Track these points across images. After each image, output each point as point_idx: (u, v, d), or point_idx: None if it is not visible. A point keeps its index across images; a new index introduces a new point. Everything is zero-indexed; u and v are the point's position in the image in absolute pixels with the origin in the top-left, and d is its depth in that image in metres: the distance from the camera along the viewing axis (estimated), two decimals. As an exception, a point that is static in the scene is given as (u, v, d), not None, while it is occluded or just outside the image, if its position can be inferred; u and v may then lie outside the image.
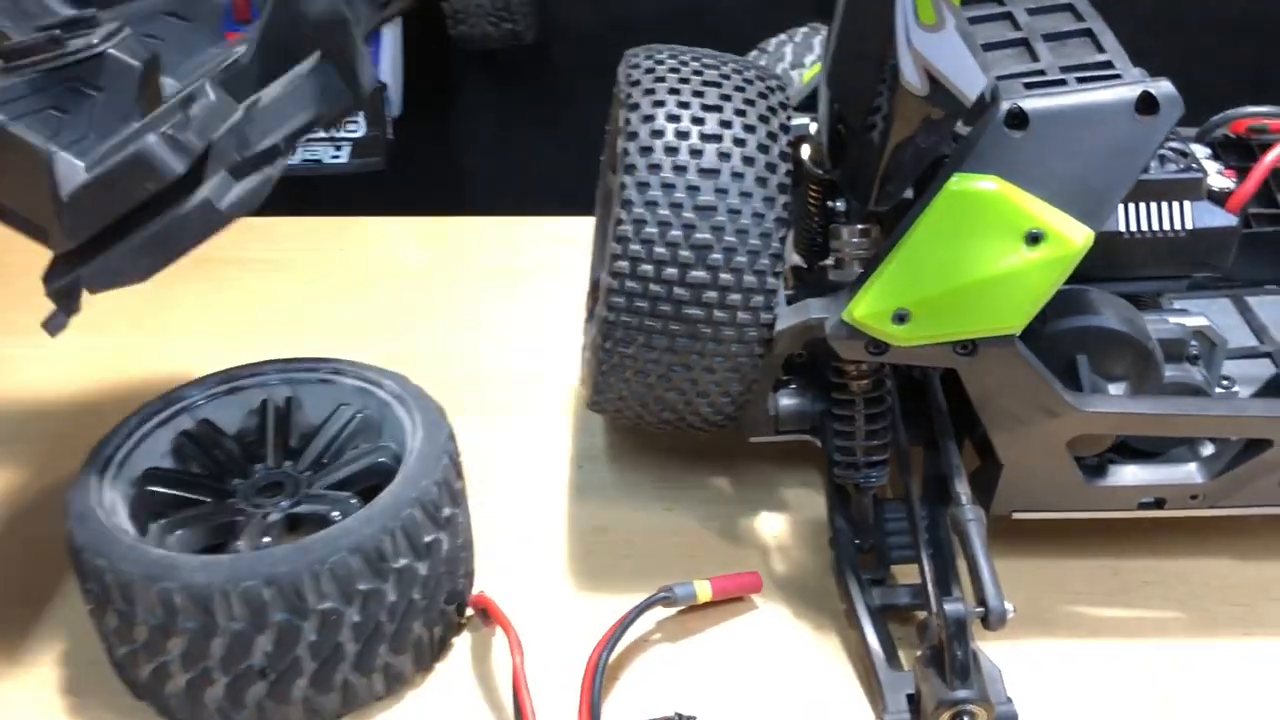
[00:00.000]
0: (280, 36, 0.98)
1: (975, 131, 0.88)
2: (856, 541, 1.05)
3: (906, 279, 0.89)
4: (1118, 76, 0.88)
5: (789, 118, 1.00)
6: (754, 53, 1.37)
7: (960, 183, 0.88)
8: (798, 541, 1.14)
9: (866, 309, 0.91)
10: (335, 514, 0.97)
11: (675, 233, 0.94)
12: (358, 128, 1.94)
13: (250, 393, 1.08)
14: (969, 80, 0.81)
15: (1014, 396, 0.94)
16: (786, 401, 1.09)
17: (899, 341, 0.91)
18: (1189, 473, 1.01)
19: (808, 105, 1.10)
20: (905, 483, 1.04)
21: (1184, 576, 1.08)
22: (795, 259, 1.13)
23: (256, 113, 0.93)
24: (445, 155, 2.05)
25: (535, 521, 1.16)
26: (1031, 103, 0.87)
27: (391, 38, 1.98)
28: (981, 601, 0.89)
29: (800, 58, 1.34)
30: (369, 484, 1.00)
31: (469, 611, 1.04)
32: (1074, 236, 0.87)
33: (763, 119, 0.98)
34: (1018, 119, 0.87)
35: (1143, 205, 1.00)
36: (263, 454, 1.06)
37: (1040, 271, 0.87)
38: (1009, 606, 0.89)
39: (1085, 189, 0.87)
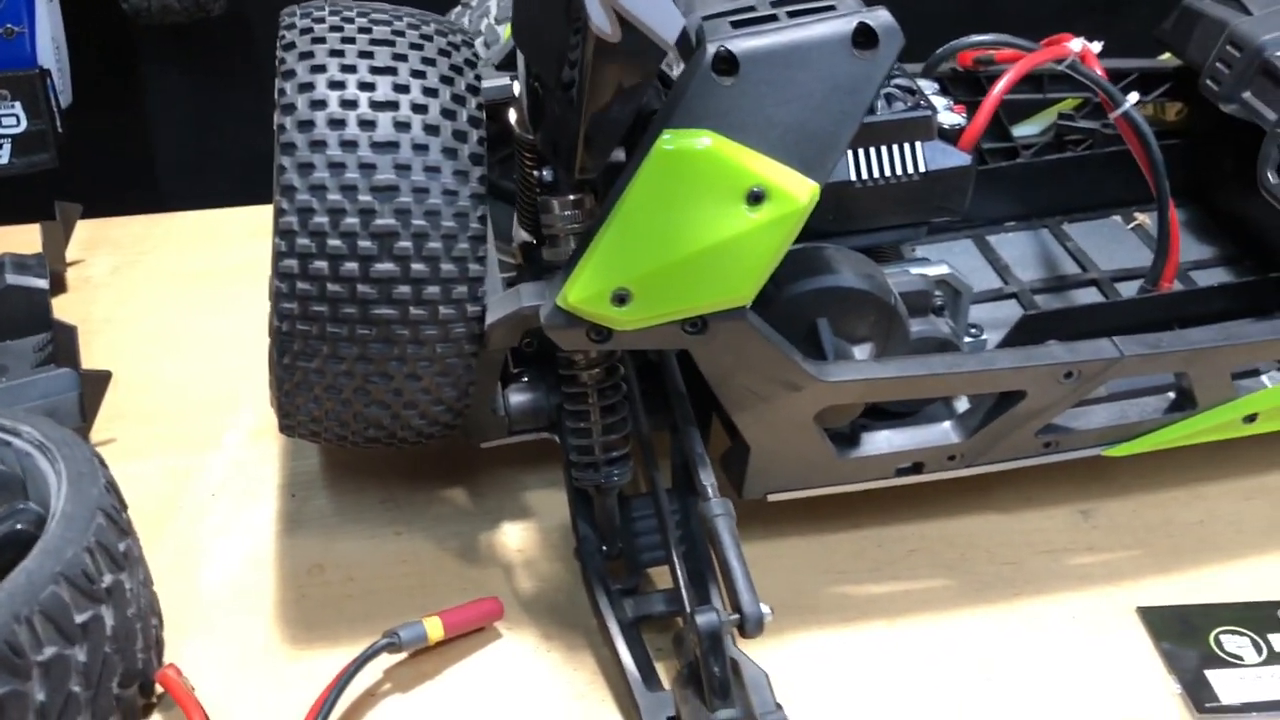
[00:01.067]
0: None
1: (682, 80, 0.77)
2: (604, 548, 0.94)
3: (622, 254, 0.78)
4: (831, 8, 0.79)
5: (478, 77, 0.87)
6: (456, 9, 1.22)
7: (670, 140, 0.77)
8: (546, 553, 1.02)
9: (581, 292, 0.79)
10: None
11: (350, 220, 0.79)
12: (16, 122, 1.67)
13: None
14: (664, 20, 0.70)
15: (752, 373, 0.84)
16: (517, 398, 0.97)
17: (622, 325, 0.80)
18: (944, 433, 0.94)
19: (510, 63, 0.97)
20: (650, 476, 0.94)
21: (950, 539, 1.03)
22: (524, 235, 1.00)
23: None
24: (131, 147, 1.81)
25: (238, 569, 1.00)
26: (739, 44, 0.77)
27: (49, 13, 1.71)
28: (736, 607, 0.80)
29: (507, 11, 1.21)
30: (8, 558, 0.82)
31: (158, 689, 0.88)
32: (798, 192, 0.78)
33: (446, 80, 0.84)
34: (726, 63, 0.77)
35: (872, 150, 0.92)
36: None
37: (766, 233, 0.78)
38: (766, 610, 0.80)
39: (806, 137, 0.77)
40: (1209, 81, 1.11)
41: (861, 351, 0.92)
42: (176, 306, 1.32)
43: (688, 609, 0.84)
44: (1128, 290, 1.14)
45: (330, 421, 0.89)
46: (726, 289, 0.79)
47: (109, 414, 1.13)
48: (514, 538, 1.04)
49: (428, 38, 0.86)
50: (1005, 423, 0.92)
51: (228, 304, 1.31)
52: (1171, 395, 0.97)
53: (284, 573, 1.00)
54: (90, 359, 1.21)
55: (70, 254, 1.39)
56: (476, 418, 0.96)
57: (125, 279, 1.37)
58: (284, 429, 0.92)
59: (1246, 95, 1.07)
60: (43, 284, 1.24)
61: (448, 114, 0.83)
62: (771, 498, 0.96)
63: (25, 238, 1.36)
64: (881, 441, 0.94)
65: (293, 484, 1.09)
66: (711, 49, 0.76)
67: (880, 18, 0.77)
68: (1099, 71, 1.01)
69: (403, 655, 0.91)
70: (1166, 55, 1.24)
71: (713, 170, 0.77)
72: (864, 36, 0.77)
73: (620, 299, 0.79)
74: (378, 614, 0.96)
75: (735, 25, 0.79)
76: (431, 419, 0.90)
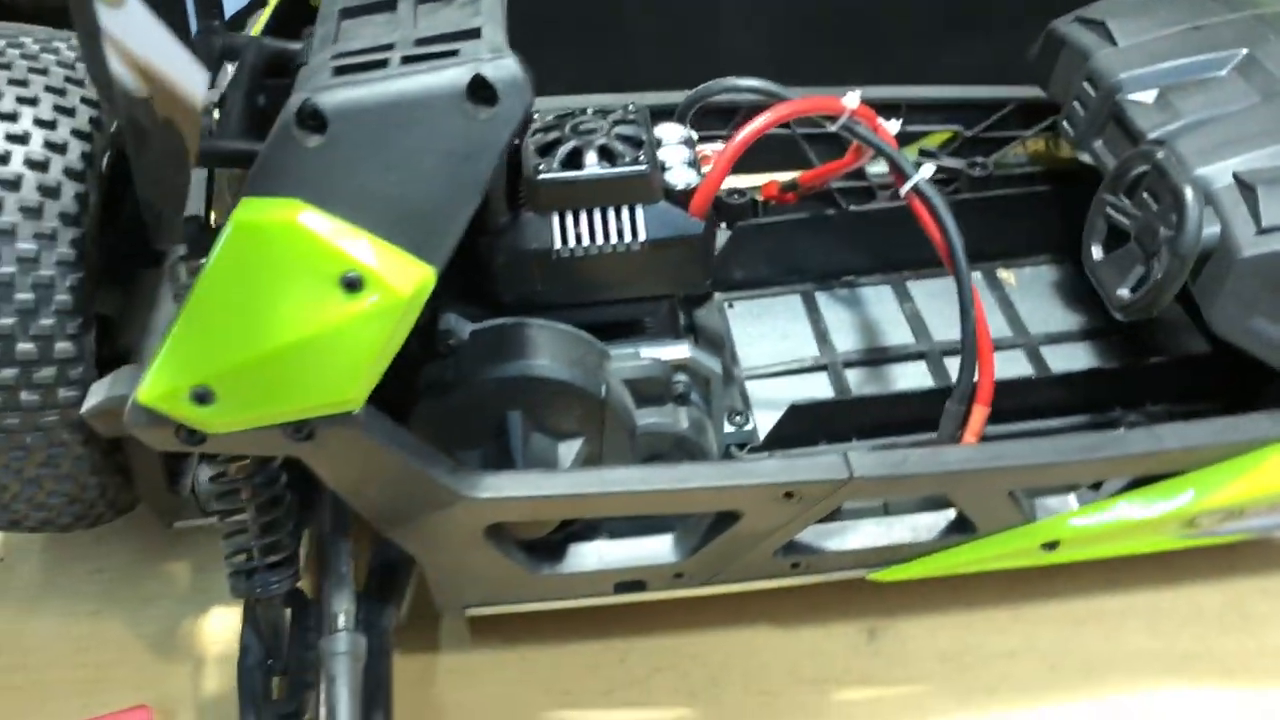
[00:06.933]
0: None
1: (269, 137, 0.64)
2: (269, 662, 0.82)
3: (198, 344, 0.65)
4: (454, 54, 0.64)
5: (95, 119, 0.74)
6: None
7: (246, 211, 0.63)
8: (245, 647, 0.90)
9: (155, 388, 0.66)
10: None
11: (-99, 293, 0.68)
12: None
13: None
14: (188, 74, 0.56)
15: (384, 486, 0.71)
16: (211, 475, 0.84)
17: (209, 428, 0.67)
18: (663, 550, 0.79)
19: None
20: (320, 585, 0.81)
21: (704, 657, 0.88)
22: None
23: None
24: None
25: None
26: (331, 96, 0.62)
27: None
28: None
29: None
30: None
31: None
32: (401, 281, 0.63)
33: (43, 123, 0.71)
34: (314, 120, 0.62)
35: (582, 214, 0.77)
36: None
37: (366, 326, 0.64)
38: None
39: (413, 212, 0.63)
40: (1065, 124, 0.93)
41: (569, 450, 0.77)
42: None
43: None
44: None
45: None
46: (327, 390, 0.65)
47: None
48: (217, 626, 0.92)
49: (41, 71, 0.74)
50: (727, 543, 0.77)
51: None
52: (950, 513, 0.80)
53: (-45, 657, 0.90)
54: None
55: None
56: (155, 498, 0.84)
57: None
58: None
59: (1098, 144, 0.89)
60: None
61: (35, 165, 0.70)
62: (471, 612, 0.82)
63: None
64: (591, 556, 0.79)
65: (7, 544, 0.99)
66: (295, 101, 0.62)
67: (503, 67, 0.62)
68: (883, 135, 0.83)
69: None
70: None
71: (296, 249, 0.63)
72: (481, 90, 0.62)
73: (200, 398, 0.66)
74: (37, 712, 0.85)
75: (339, 71, 0.64)
76: (58, 510, 0.78)
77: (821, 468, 0.72)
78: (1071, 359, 0.96)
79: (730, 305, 1.03)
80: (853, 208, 1.02)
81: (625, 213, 0.77)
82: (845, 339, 0.99)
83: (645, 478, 0.73)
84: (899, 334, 1.00)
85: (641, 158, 0.77)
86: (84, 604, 0.94)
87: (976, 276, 1.05)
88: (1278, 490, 0.77)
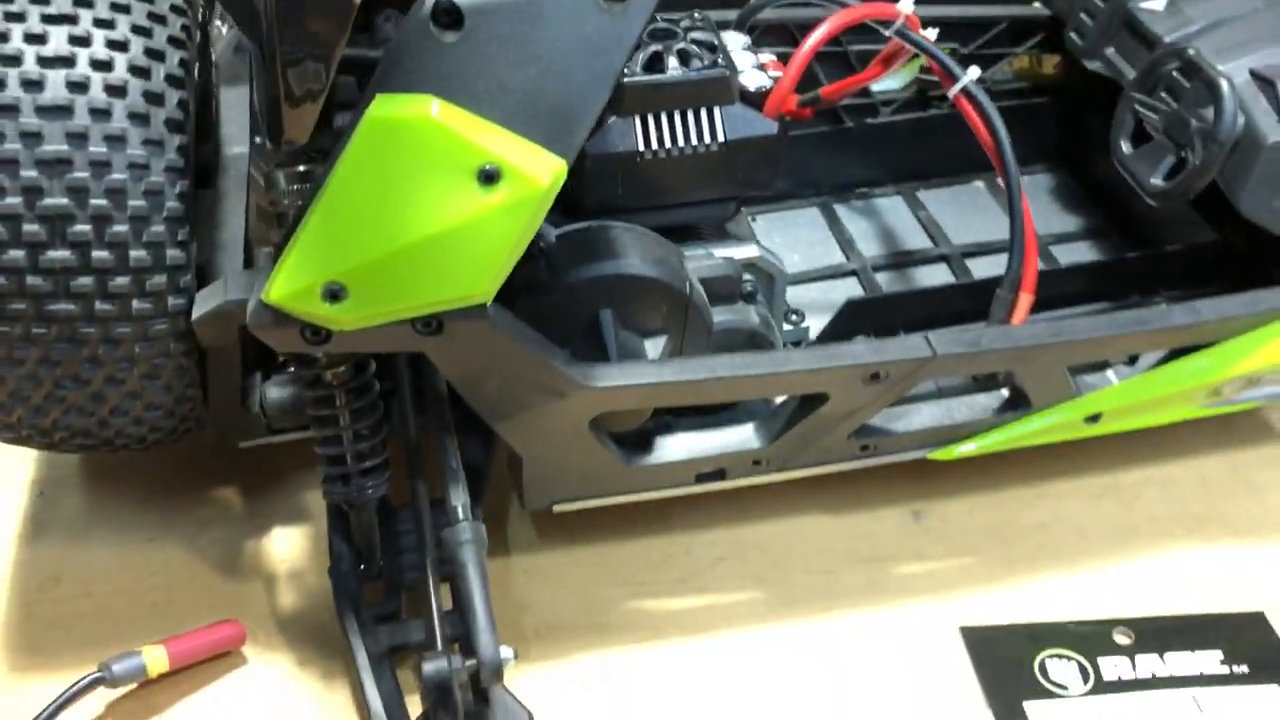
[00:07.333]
0: None
1: (399, 34, 0.65)
2: (363, 567, 0.83)
3: (332, 242, 0.66)
4: (580, -48, 0.66)
5: (187, 27, 0.73)
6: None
7: (383, 107, 0.64)
8: (315, 564, 0.91)
9: (285, 287, 0.67)
10: None
11: (11, 200, 0.67)
12: None
13: None
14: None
15: (506, 379, 0.73)
16: (275, 394, 0.85)
17: (339, 325, 0.68)
18: (747, 437, 0.84)
19: None
20: (412, 487, 0.83)
21: (765, 545, 0.93)
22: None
23: None
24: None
25: (-45, 584, 0.89)
26: (466, -8, 0.64)
27: None
28: (471, 651, 0.69)
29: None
30: None
31: None
32: (538, 172, 0.66)
33: (140, 30, 0.71)
34: (448, 15, 0.64)
35: (664, 116, 0.80)
36: None
37: (501, 219, 0.66)
38: (507, 653, 0.70)
39: (548, 106, 0.65)
40: (1073, 35, 1.00)
41: (654, 346, 0.81)
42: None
43: (438, 641, 0.74)
44: (982, 266, 1.03)
45: (29, 429, 0.77)
46: (459, 284, 0.67)
47: None
48: (282, 546, 0.93)
49: (126, -20, 0.73)
50: (810, 426, 0.81)
51: None
52: (1004, 393, 0.87)
53: (15, 586, 0.89)
54: None
55: None
56: (226, 415, 0.84)
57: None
58: (-20, 434, 0.80)
59: (1109, 51, 0.96)
60: None
61: (138, 71, 0.70)
62: (558, 508, 0.85)
63: None
64: (677, 447, 0.83)
65: (43, 479, 0.97)
66: (430, -1, 0.64)
67: (634, -36, 0.65)
68: (928, 38, 0.88)
69: (128, 688, 0.81)
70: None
71: (434, 144, 0.64)
72: (614, -15, 0.64)
73: (333, 295, 0.67)
74: (111, 636, 0.85)
75: (466, -31, 0.66)
76: (151, 425, 0.78)
77: (906, 348, 0.78)
78: (1079, 255, 1.03)
79: (754, 219, 1.07)
80: (868, 120, 1.07)
81: (704, 114, 0.81)
82: (868, 246, 1.05)
83: (748, 363, 0.77)
84: (917, 239, 1.06)
85: (720, 61, 0.80)
86: (138, 532, 0.93)
87: (980, 185, 1.12)
88: (1291, 358, 0.85)
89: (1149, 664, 0.82)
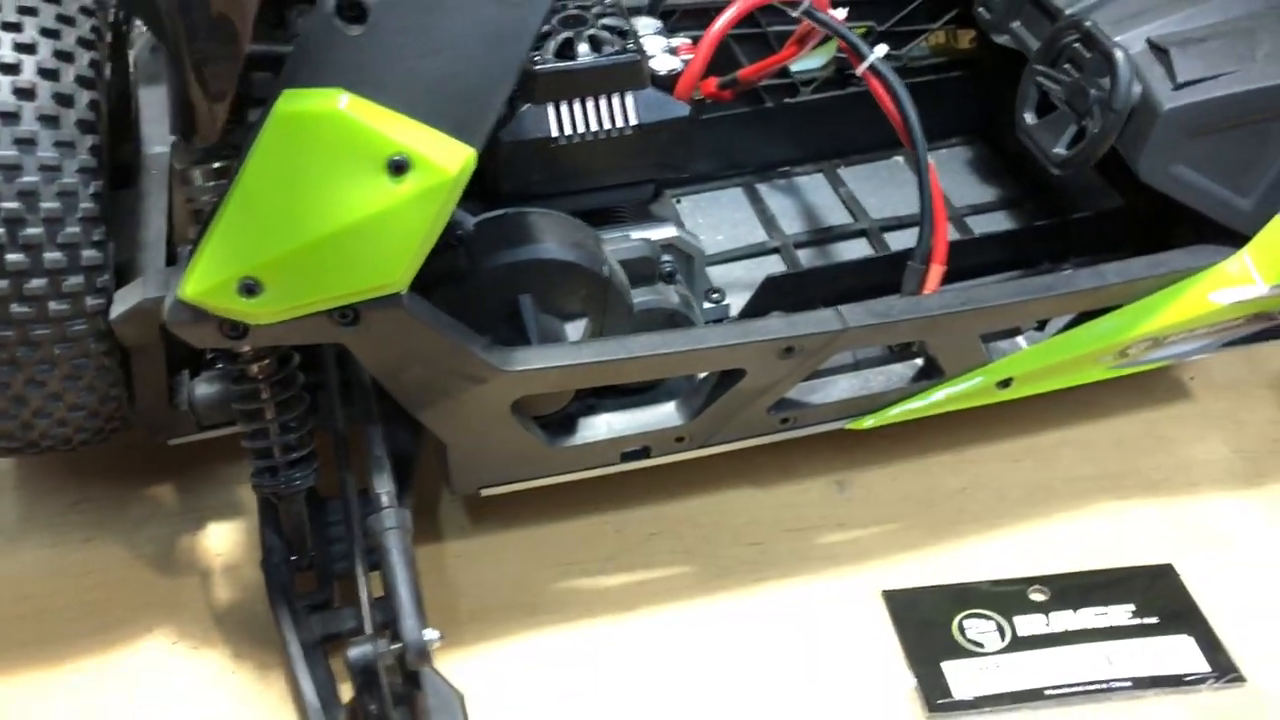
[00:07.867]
0: None
1: (305, 28, 0.66)
2: (293, 558, 0.84)
3: (245, 237, 0.67)
4: (480, -58, 0.67)
5: (97, 28, 0.74)
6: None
7: (291, 102, 0.65)
8: (252, 556, 0.91)
9: (201, 283, 0.68)
10: None
11: (-83, 206, 0.67)
12: None
13: None
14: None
15: (425, 367, 0.74)
16: (204, 390, 0.85)
17: (256, 319, 0.69)
18: (669, 414, 0.85)
19: None
20: (341, 477, 0.84)
21: (694, 519, 0.95)
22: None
23: None
24: None
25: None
26: (369, -14, 0.65)
27: None
28: (396, 634, 0.71)
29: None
30: None
31: None
32: (447, 160, 0.67)
33: (48, 32, 0.71)
34: (354, 9, 0.65)
35: (575, 103, 0.82)
36: None
37: (412, 209, 0.67)
38: (432, 635, 0.71)
39: (455, 95, 0.66)
40: (981, 10, 1.02)
41: (575, 329, 0.82)
42: None
43: (367, 626, 0.75)
44: (900, 239, 1.05)
45: (-49, 433, 0.77)
46: (373, 274, 0.68)
47: None
48: (216, 541, 0.93)
49: (34, -19, 0.73)
50: (729, 402, 0.83)
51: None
52: (919, 362, 0.89)
53: (-53, 593, 0.89)
54: None
55: None
56: (154, 414, 0.84)
57: None
58: (-97, 440, 0.80)
59: (1015, 25, 0.98)
60: None
61: (47, 74, 0.70)
62: (486, 492, 0.87)
63: None
64: (600, 427, 0.85)
65: (-26, 485, 0.97)
66: (335, -9, 0.64)
67: (534, -47, 0.66)
68: (836, 16, 0.90)
69: (62, 688, 0.81)
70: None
71: (343, 137, 0.65)
72: (514, -24, 0.66)
73: (248, 289, 0.68)
74: (51, 637, 0.86)
75: (368, -37, 0.67)
76: (76, 426, 0.79)
77: (818, 321, 0.80)
78: (995, 225, 1.06)
79: (678, 201, 1.09)
80: (787, 100, 1.09)
81: (616, 99, 0.82)
82: (790, 224, 1.07)
83: (664, 341, 0.78)
84: (837, 215, 1.08)
85: (630, 46, 0.82)
86: (73, 533, 0.94)
87: (899, 159, 1.14)
88: (1191, 317, 0.88)
89: (1063, 619, 0.85)
